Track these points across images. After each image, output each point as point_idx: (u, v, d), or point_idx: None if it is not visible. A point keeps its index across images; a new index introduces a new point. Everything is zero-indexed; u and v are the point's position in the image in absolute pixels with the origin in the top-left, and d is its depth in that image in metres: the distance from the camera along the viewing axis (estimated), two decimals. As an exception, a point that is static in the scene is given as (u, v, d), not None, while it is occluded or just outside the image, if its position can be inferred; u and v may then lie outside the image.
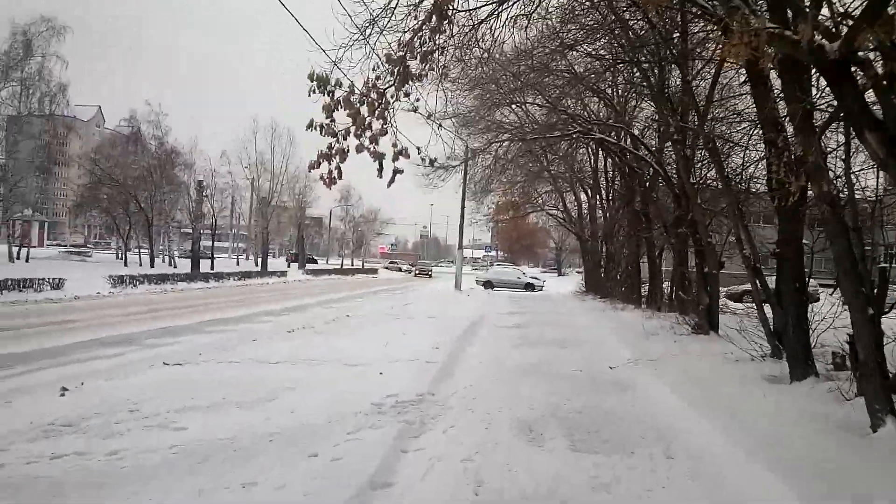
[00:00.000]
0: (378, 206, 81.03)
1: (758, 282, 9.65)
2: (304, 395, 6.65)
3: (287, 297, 23.42)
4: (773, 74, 8.26)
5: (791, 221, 7.91)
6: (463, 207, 30.75)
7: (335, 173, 7.72)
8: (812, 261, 8.88)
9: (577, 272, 78.75)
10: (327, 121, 7.53)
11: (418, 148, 7.95)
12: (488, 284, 38.22)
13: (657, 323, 14.13)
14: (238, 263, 58.69)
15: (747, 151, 10.83)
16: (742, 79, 10.13)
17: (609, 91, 18.57)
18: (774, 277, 10.07)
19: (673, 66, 13.18)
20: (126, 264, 42.63)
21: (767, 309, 9.54)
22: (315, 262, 71.04)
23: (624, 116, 17.70)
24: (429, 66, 8.38)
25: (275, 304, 19.64)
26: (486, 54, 13.39)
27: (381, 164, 8.01)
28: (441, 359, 9.19)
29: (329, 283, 38.39)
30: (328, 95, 7.53)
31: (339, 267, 63.24)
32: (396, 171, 8.08)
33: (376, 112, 7.55)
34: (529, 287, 38.40)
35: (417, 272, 66.78)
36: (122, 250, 48.22)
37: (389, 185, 8.14)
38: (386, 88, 7.90)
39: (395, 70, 7.60)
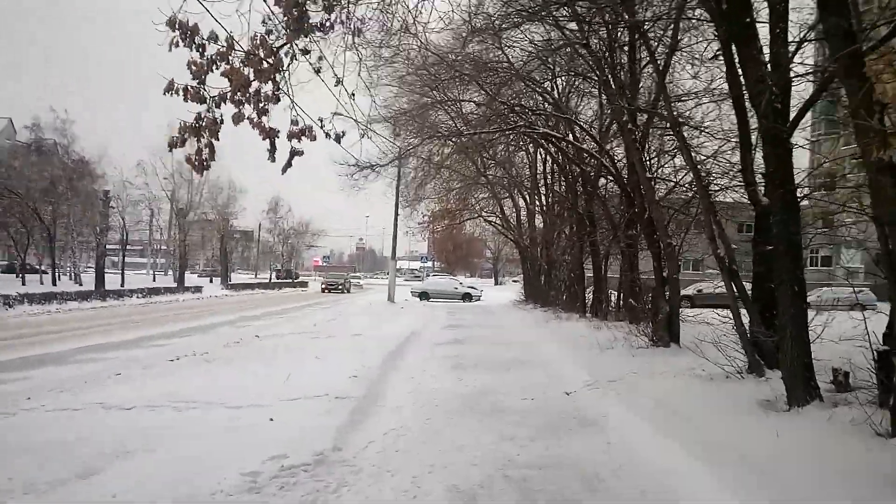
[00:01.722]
0: (309, 217, 78.04)
1: (734, 285, 8.21)
2: (144, 462, 4.57)
3: (196, 315, 20.76)
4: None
5: (785, 209, 6.45)
6: (396, 213, 28.85)
7: (205, 153, 5.70)
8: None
9: (514, 281, 78.15)
10: (195, 83, 5.53)
11: (320, 120, 6.05)
12: (424, 295, 36.39)
13: (608, 334, 12.62)
14: (154, 279, 54.48)
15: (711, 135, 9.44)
16: (706, 51, 8.75)
17: (548, 85, 17.19)
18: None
19: (622, 48, 11.84)
20: (24, 282, 38.39)
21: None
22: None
23: (567, 111, 16.31)
24: (337, 17, 6.52)
25: (176, 325, 17.07)
26: (412, 39, 11.70)
27: (272, 144, 6.03)
28: (358, 392, 7.23)
29: (251, 298, 35.46)
30: (197, 51, 5.53)
31: (266, 281, 59.82)
32: (295, 153, 6.13)
33: (264, 74, 5.61)
34: (467, 297, 36.82)
35: (325, 287, 48.25)
36: (19, 267, 43.52)
37: (284, 170, 6.17)
38: (279, 46, 5.97)
39: (288, 13, 5.67)
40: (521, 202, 29.76)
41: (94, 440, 5.04)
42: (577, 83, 17.70)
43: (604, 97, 16.21)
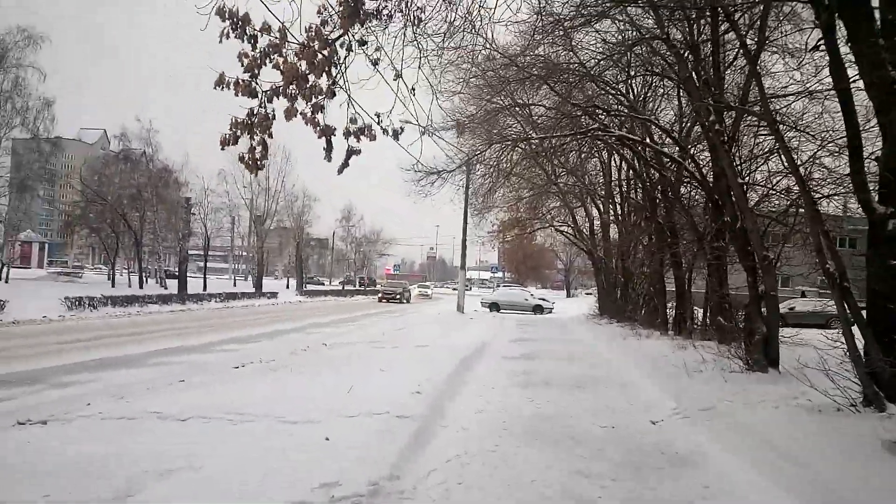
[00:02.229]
0: (381, 226, 79.11)
1: (846, 305, 7.18)
2: (183, 483, 4.22)
3: (269, 320, 21.03)
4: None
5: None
6: (465, 221, 28.35)
7: (258, 151, 5.38)
8: None
9: (587, 293, 76.16)
10: (246, 76, 5.23)
11: (377, 115, 5.62)
12: (494, 306, 35.74)
13: (695, 355, 11.60)
14: (234, 285, 56.41)
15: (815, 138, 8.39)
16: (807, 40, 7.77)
17: (623, 88, 16.25)
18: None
19: (706, 42, 10.90)
20: (113, 285, 40.63)
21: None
22: (322, 283, 68.74)
23: (643, 113, 15.35)
24: (395, 4, 6.10)
25: (249, 330, 17.27)
26: (480, 41, 11.21)
27: (328, 142, 5.65)
28: (420, 411, 6.72)
29: (323, 305, 35.96)
30: (249, 42, 5.23)
31: (339, 288, 60.82)
32: (352, 152, 5.71)
33: (318, 67, 5.24)
34: (538, 309, 35.88)
35: (383, 297, 46.00)
36: (111, 271, 46.11)
37: (341, 170, 5.76)
38: (336, 38, 5.60)
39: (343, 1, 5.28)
40: (595, 211, 28.67)
41: (140, 454, 4.75)
42: (654, 84, 16.72)
43: (684, 98, 15.20)
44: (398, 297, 44.50)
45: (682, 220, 16.06)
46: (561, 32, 13.04)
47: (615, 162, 24.47)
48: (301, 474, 4.52)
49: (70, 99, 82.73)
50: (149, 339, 13.99)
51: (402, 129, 5.65)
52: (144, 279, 45.28)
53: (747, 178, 10.77)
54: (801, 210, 10.27)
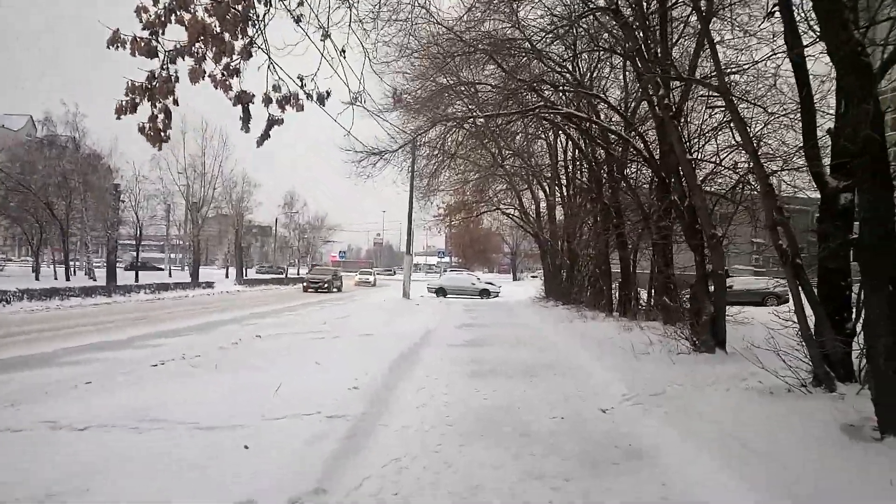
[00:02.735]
0: (325, 212, 77.41)
1: (799, 284, 6.99)
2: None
3: (202, 312, 19.91)
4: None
5: (875, 188, 5.23)
6: (411, 205, 27.67)
7: (160, 120, 4.64)
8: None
9: (533, 276, 76.86)
10: (145, 33, 4.46)
11: (300, 79, 4.94)
12: (441, 292, 35.35)
13: (641, 336, 11.43)
14: (170, 275, 54.00)
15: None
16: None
17: (569, 65, 15.90)
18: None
19: (654, 16, 10.60)
20: (37, 278, 38.12)
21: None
22: (282, 271, 66.32)
23: (591, 87, 15.05)
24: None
25: (178, 323, 16.22)
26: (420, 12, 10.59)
27: (245, 110, 4.95)
28: (356, 408, 6.13)
29: (264, 294, 34.67)
30: (148, -7, 4.46)
31: (281, 277, 59.13)
32: (273, 122, 5.00)
33: (231, 22, 4.53)
34: (485, 293, 35.72)
35: (308, 286, 39.47)
36: (35, 263, 43.27)
37: (261, 141, 5.07)
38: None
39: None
40: (541, 194, 28.53)
41: (15, 477, 4.01)
42: (600, 61, 16.46)
43: (630, 75, 14.99)
44: (326, 286, 38.75)
45: (627, 200, 15.94)
46: (506, 7, 12.58)
47: (561, 143, 24.30)
48: (211, 491, 3.90)
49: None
50: (64, 335, 12.85)
51: (328, 93, 4.98)
52: (72, 271, 42.78)
53: (695, 154, 10.55)
54: (749, 187, 10.16)
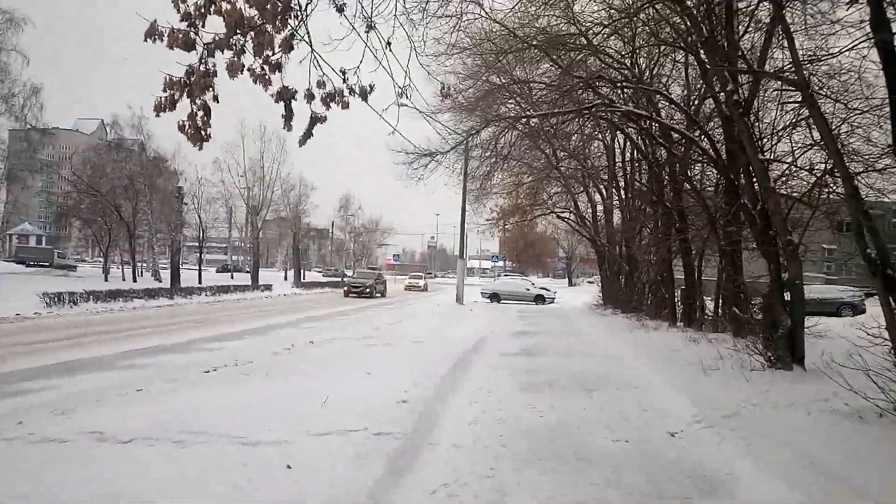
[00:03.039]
0: (380, 215, 78.11)
1: (891, 296, 6.30)
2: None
3: (260, 315, 20.18)
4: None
5: None
6: (464, 206, 27.34)
7: (199, 117, 4.47)
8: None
9: (589, 282, 75.29)
10: (183, 24, 4.31)
11: (342, 72, 4.70)
12: (495, 297, 34.89)
13: (709, 350, 10.74)
14: (232, 277, 55.53)
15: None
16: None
17: (627, 61, 15.20)
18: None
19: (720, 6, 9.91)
20: (106, 279, 39.79)
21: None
22: (340, 274, 66.84)
23: (651, 85, 14.35)
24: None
25: (237, 325, 16.41)
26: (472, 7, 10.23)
27: (287, 107, 4.75)
28: (405, 424, 5.84)
29: (319, 297, 35.01)
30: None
31: (338, 279, 59.90)
32: (316, 120, 4.80)
33: (270, 12, 4.32)
34: (539, 299, 35.03)
35: (349, 290, 35.98)
36: (104, 264, 45.25)
37: (303, 141, 4.85)
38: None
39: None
40: (597, 197, 27.72)
41: (50, 495, 3.88)
42: (660, 57, 15.72)
43: (693, 71, 14.23)
44: (368, 290, 35.62)
45: (690, 204, 15.15)
46: (561, 2, 12.11)
47: (619, 145, 23.52)
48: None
49: (68, 88, 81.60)
50: (124, 337, 13.14)
51: (371, 87, 4.71)
52: (139, 272, 44.49)
53: (767, 154, 9.80)
54: (827, 189, 9.37)
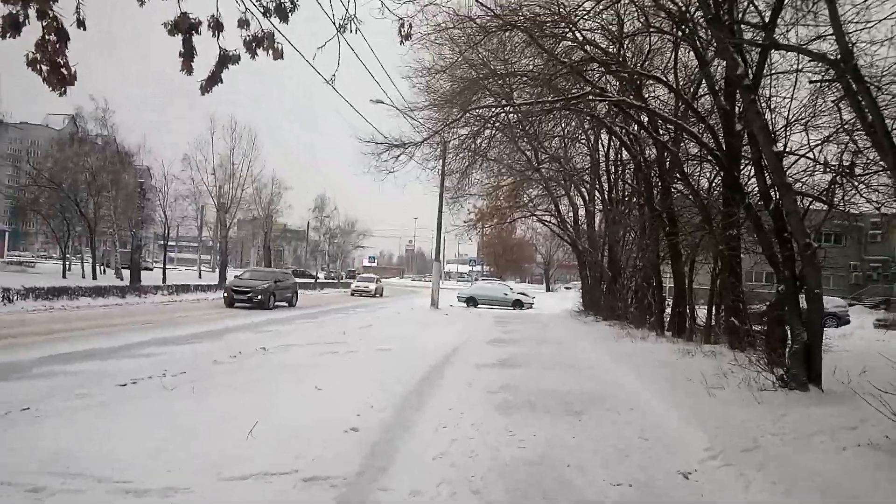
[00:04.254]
0: (356, 217, 76.59)
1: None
2: None
3: (218, 317, 18.68)
4: None
5: None
6: (441, 204, 26.08)
7: (52, 42, 3.16)
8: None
9: (567, 288, 74.55)
10: None
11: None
12: (471, 301, 33.68)
13: (708, 365, 9.66)
14: (200, 276, 53.53)
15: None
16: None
17: (614, 49, 14.12)
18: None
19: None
20: (64, 276, 37.80)
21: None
22: (312, 275, 64.80)
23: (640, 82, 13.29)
24: None
25: (189, 328, 14.94)
26: None
27: (186, 42, 3.49)
28: (350, 462, 4.57)
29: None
30: None
31: (312, 280, 58.14)
32: (227, 58, 3.55)
33: None
34: (518, 304, 33.91)
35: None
36: (63, 261, 43.11)
37: (208, 86, 3.55)
38: None
39: None
40: (579, 200, 26.68)
41: None
42: (651, 52, 14.72)
43: (686, 55, 13.21)
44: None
45: (682, 205, 14.13)
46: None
47: (602, 146, 22.53)
48: None
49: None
50: (56, 339, 11.65)
51: (294, 3, 3.45)
52: (101, 269, 42.48)
53: (785, 147, 8.73)
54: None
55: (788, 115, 8.86)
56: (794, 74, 8.73)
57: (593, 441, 5.77)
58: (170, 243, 45.90)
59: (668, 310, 15.78)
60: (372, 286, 41.76)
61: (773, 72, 9.05)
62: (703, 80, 10.96)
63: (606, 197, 22.98)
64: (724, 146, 10.10)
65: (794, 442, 5.79)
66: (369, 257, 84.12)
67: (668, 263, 15.33)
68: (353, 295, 40.07)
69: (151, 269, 53.70)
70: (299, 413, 5.86)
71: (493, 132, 18.40)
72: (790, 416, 6.58)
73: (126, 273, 40.72)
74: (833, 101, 8.11)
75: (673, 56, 14.00)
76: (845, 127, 7.82)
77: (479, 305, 33.05)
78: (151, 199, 38.05)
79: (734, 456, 5.32)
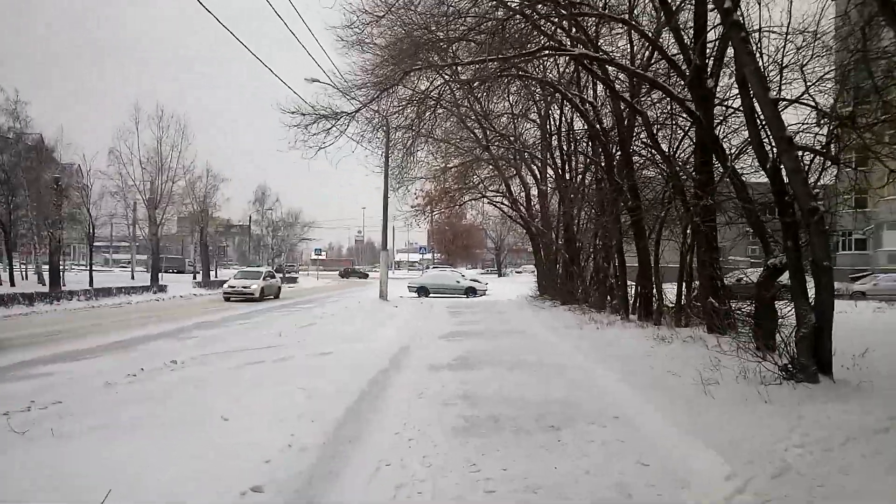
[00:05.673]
0: (299, 208, 73.83)
1: None
2: None
3: (138, 323, 16.63)
4: None
5: None
6: (386, 191, 24.40)
7: None
8: None
9: (518, 272, 73.92)
10: None
11: None
12: (423, 291, 32.30)
13: (691, 353, 8.53)
14: (133, 277, 50.18)
15: None
16: None
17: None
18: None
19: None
20: (-21, 284, 34.43)
21: None
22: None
23: (597, 41, 12.00)
24: None
25: (97, 339, 12.98)
26: None
27: None
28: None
29: (220, 298, 30.88)
30: None
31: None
32: None
33: None
34: (471, 292, 32.70)
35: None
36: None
37: None
38: None
39: None
40: (531, 179, 25.51)
41: None
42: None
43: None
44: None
45: (645, 176, 13.02)
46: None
47: (553, 118, 21.33)
48: None
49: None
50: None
51: None
52: (24, 275, 39.10)
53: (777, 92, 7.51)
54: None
55: (781, 60, 7.67)
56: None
57: (582, 473, 4.41)
58: (104, 244, 42.57)
59: (632, 291, 14.70)
60: (255, 285, 28.53)
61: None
62: (672, 32, 9.71)
63: (560, 173, 21.83)
64: (700, 99, 8.86)
65: (827, 457, 4.59)
66: (315, 249, 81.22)
67: (630, 241, 14.22)
68: (226, 300, 27.96)
69: (72, 271, 49.90)
70: (181, 465, 4.26)
71: (438, 110, 16.92)
72: (808, 419, 5.40)
73: (67, 277, 37.56)
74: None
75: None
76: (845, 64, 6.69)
77: (430, 295, 31.70)
78: (71, 197, 34.89)
79: (766, 487, 4.06)
